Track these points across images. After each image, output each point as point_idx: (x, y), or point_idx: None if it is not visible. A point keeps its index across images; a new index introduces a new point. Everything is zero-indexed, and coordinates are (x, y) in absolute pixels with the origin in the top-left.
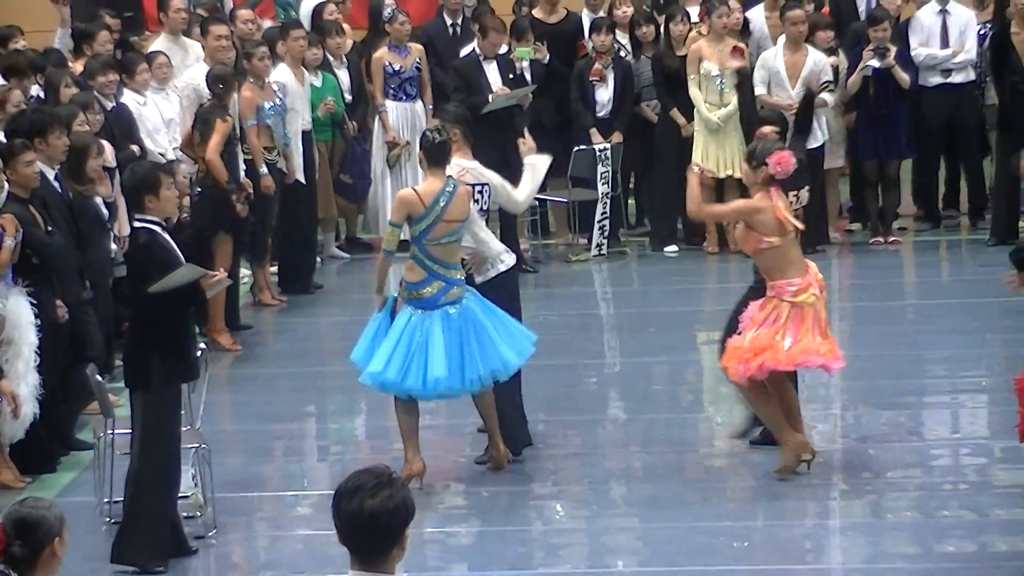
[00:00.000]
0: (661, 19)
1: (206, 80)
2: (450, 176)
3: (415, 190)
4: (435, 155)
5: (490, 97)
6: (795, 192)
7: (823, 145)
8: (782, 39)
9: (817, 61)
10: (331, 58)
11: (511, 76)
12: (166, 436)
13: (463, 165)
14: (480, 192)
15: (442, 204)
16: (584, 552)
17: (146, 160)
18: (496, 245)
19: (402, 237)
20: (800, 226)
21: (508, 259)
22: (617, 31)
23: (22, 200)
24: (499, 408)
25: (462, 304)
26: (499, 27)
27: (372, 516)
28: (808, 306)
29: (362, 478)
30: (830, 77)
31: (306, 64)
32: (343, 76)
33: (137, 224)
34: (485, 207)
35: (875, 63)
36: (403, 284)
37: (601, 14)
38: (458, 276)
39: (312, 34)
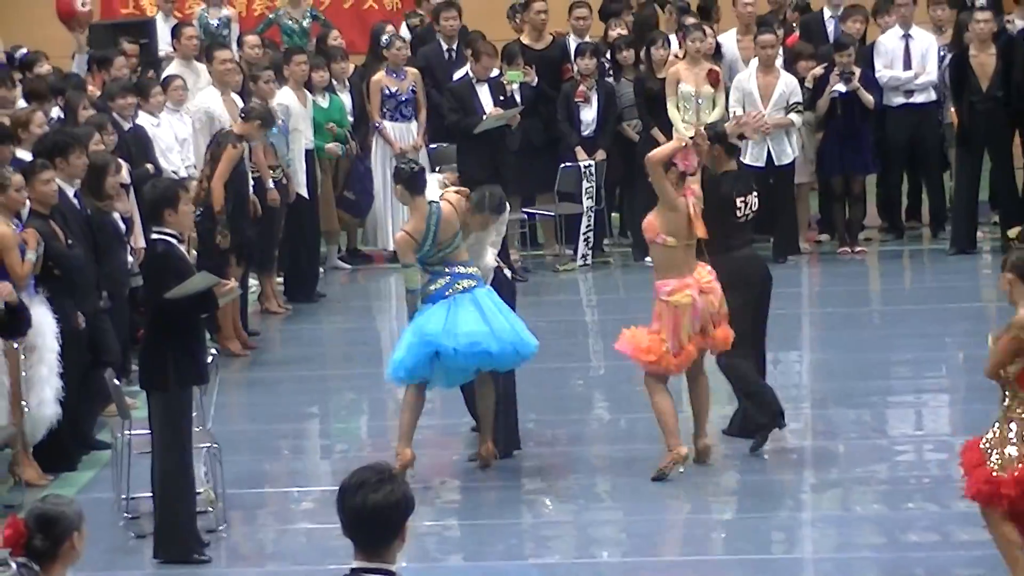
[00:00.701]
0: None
1: (241, 113)
2: (432, 201)
3: (406, 232)
4: (414, 185)
5: (483, 118)
6: (742, 198)
7: (794, 161)
8: (755, 61)
9: (788, 84)
10: (335, 82)
11: (502, 98)
12: (181, 433)
13: None
14: None
15: (432, 234)
16: (572, 543)
17: (165, 177)
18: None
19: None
20: (702, 233)
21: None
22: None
23: (43, 216)
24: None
25: (472, 291)
26: (491, 52)
27: (375, 510)
28: (683, 306)
29: (365, 474)
30: (799, 99)
31: (313, 86)
32: (346, 99)
33: (155, 235)
34: None
35: (841, 87)
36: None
37: (588, 38)
38: (465, 271)
39: (319, 57)
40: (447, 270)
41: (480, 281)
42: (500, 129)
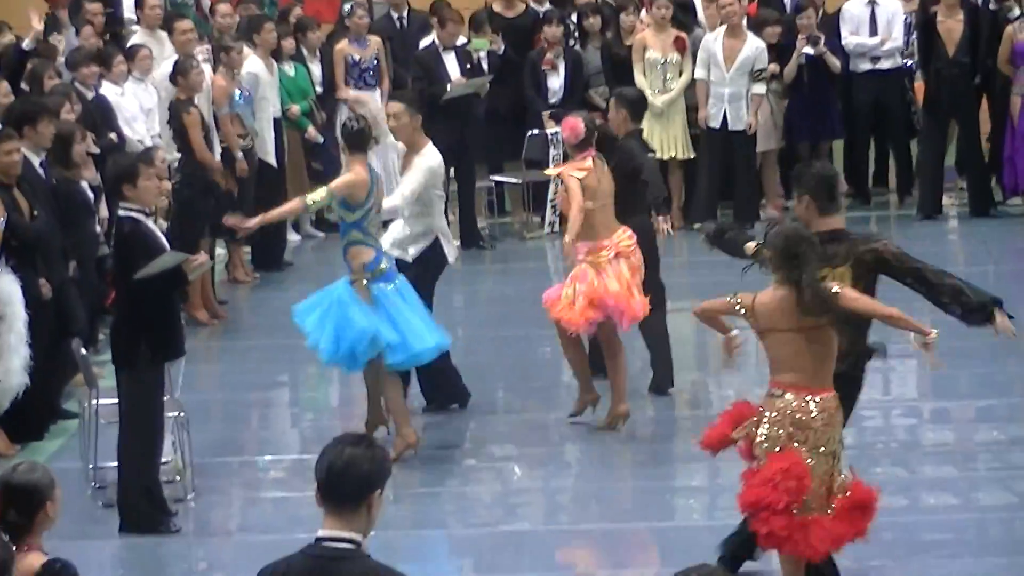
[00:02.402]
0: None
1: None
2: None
3: (355, 177)
4: (355, 142)
5: (448, 86)
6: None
7: (749, 127)
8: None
9: (754, 47)
10: (306, 52)
11: (468, 66)
12: (151, 410)
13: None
14: None
15: (375, 189)
16: (540, 511)
17: (129, 151)
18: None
19: (338, 219)
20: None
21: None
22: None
23: (5, 186)
24: (438, 370)
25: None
26: (456, 18)
27: (351, 460)
28: (601, 266)
29: (345, 435)
30: (764, 65)
31: (281, 54)
32: (315, 69)
33: (122, 213)
34: None
35: (809, 50)
36: (360, 271)
37: (547, 5)
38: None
39: (284, 26)
40: (383, 249)
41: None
42: (467, 97)
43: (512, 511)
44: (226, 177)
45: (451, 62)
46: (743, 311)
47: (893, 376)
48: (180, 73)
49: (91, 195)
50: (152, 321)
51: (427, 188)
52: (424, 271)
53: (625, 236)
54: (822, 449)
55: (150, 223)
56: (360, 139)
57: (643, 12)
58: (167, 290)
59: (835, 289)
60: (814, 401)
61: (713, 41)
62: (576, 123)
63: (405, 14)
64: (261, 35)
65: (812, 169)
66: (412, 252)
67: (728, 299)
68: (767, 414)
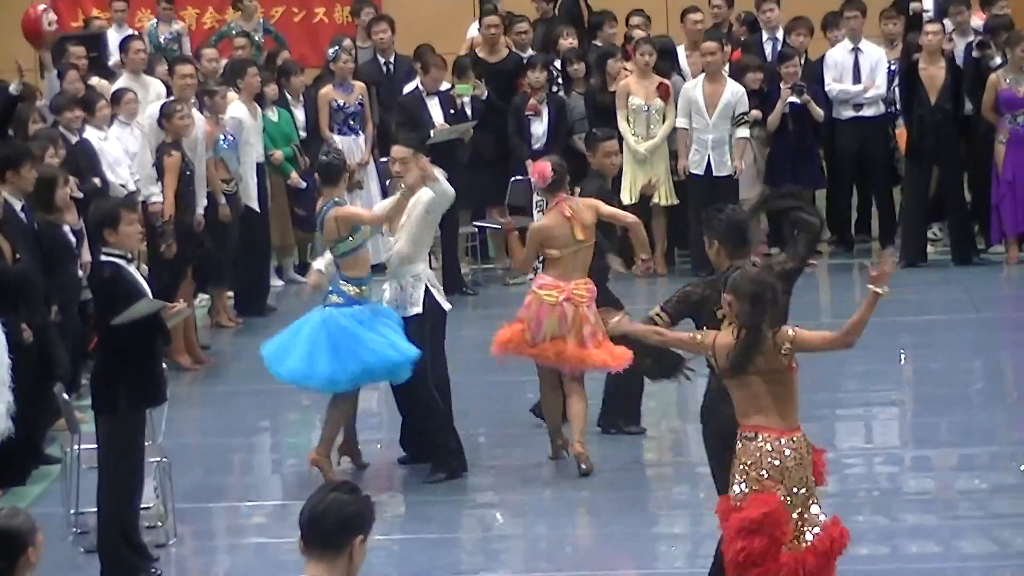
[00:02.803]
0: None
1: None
2: (334, 200)
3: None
4: (324, 174)
5: (431, 132)
6: None
7: (733, 173)
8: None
9: (735, 93)
10: (289, 97)
11: (452, 112)
12: (130, 455)
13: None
14: None
15: (319, 224)
16: (521, 557)
17: (112, 196)
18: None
19: None
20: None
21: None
22: (555, 63)
23: None
24: (441, 435)
25: (325, 310)
26: (440, 64)
27: (333, 502)
28: (548, 304)
29: (331, 482)
30: (745, 109)
31: (265, 99)
32: (299, 114)
33: (103, 258)
34: None
35: (794, 99)
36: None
37: (530, 52)
38: (343, 287)
39: (268, 71)
40: (338, 284)
41: (351, 302)
42: (450, 142)
43: (494, 557)
44: (169, 239)
45: (434, 107)
46: (705, 350)
47: (874, 424)
48: (164, 116)
49: (73, 239)
50: (132, 367)
51: (431, 215)
52: (424, 327)
53: (583, 286)
54: (795, 489)
55: (131, 268)
56: (327, 171)
57: (628, 61)
58: (147, 337)
59: (791, 332)
60: (784, 442)
61: (693, 88)
62: (544, 167)
63: (392, 59)
64: (245, 79)
65: (722, 214)
66: (412, 310)
67: (691, 335)
68: (745, 461)
